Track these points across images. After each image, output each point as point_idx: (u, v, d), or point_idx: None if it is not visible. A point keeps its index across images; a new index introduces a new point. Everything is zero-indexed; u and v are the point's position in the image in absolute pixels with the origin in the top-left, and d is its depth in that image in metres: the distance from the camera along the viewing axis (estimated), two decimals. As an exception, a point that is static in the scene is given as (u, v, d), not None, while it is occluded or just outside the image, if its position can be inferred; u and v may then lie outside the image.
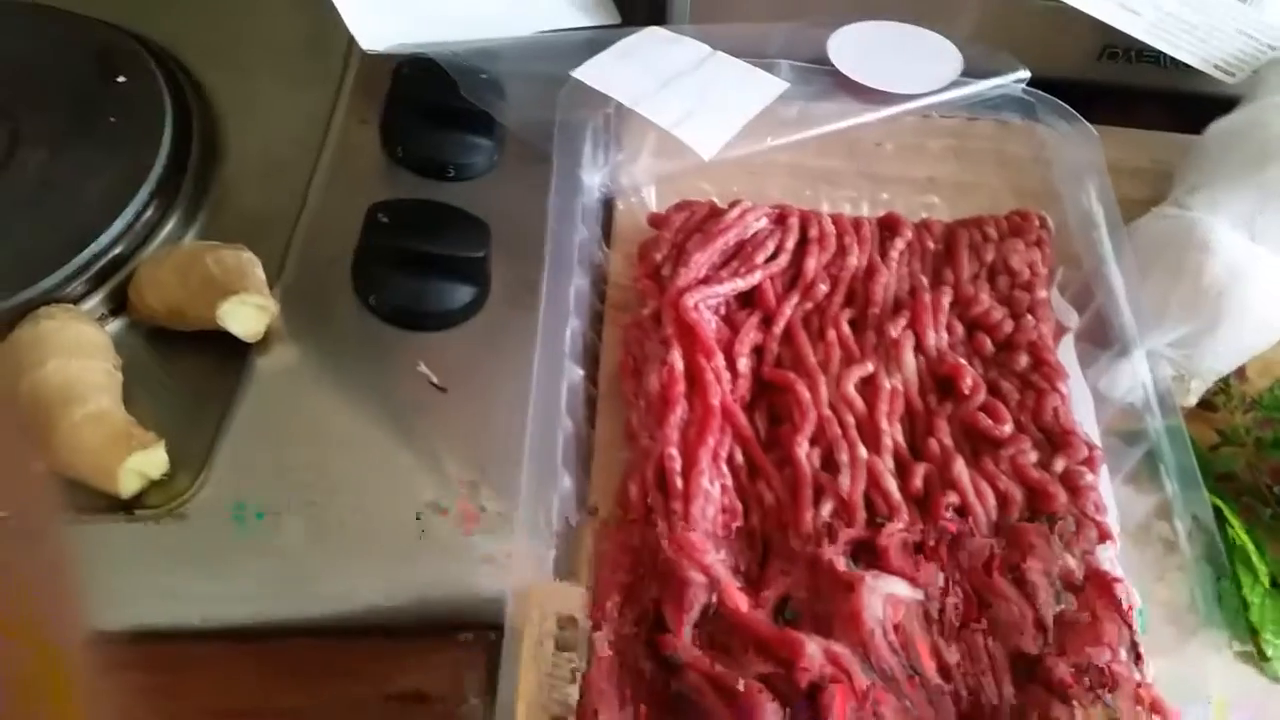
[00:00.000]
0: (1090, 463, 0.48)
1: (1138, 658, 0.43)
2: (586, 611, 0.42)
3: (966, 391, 0.50)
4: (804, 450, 0.48)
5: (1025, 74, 0.62)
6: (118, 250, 0.54)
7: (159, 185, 0.56)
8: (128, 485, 0.47)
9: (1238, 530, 0.49)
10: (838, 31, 0.62)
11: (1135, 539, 0.48)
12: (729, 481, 0.48)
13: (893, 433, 0.49)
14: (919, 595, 0.44)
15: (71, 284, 0.52)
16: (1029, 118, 0.61)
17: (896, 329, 0.52)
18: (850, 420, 0.49)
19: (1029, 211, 0.58)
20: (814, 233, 0.56)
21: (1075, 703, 0.41)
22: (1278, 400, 0.54)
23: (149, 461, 0.47)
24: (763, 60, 0.60)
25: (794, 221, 0.56)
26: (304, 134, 0.62)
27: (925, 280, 0.55)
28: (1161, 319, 0.52)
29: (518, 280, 0.56)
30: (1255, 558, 0.49)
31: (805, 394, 0.50)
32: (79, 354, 0.48)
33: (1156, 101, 0.66)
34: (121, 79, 0.60)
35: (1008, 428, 0.49)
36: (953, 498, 0.47)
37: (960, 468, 0.48)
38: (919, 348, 0.52)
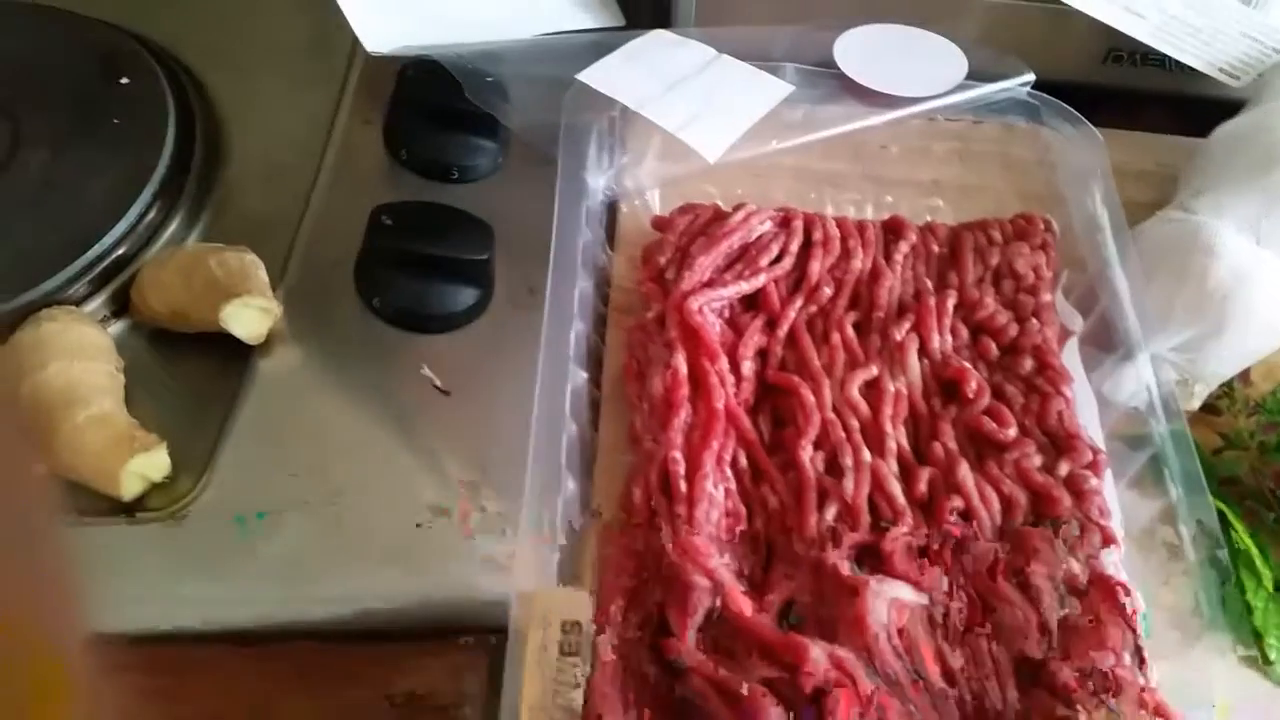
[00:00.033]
0: (1094, 467, 0.48)
1: (1142, 662, 0.43)
2: (590, 616, 0.42)
3: (971, 395, 0.50)
4: (808, 454, 0.48)
5: (1030, 77, 0.62)
6: (120, 252, 0.54)
7: (162, 187, 0.56)
8: (129, 488, 0.47)
9: (1241, 535, 0.49)
10: (843, 35, 0.62)
11: (1139, 543, 0.48)
12: (733, 485, 0.48)
13: (897, 436, 0.49)
14: (923, 599, 0.44)
15: (74, 286, 0.52)
16: (1034, 121, 0.62)
17: (901, 332, 0.52)
18: (854, 424, 0.49)
19: (1034, 215, 0.58)
20: (818, 236, 0.56)
21: (1079, 707, 0.41)
22: (1281, 404, 0.54)
23: (151, 464, 0.47)
24: (768, 63, 0.60)
25: (798, 224, 0.56)
26: (307, 135, 0.62)
27: (930, 283, 0.55)
28: (1166, 323, 0.52)
29: (521, 283, 0.56)
30: (1259, 562, 0.49)
31: (809, 397, 0.49)
32: (81, 356, 0.48)
33: (1161, 105, 0.66)
34: (125, 80, 0.60)
35: (1012, 431, 0.49)
36: (957, 502, 0.47)
37: (965, 472, 0.48)
38: (923, 351, 0.52)
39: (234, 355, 0.52)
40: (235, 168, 0.61)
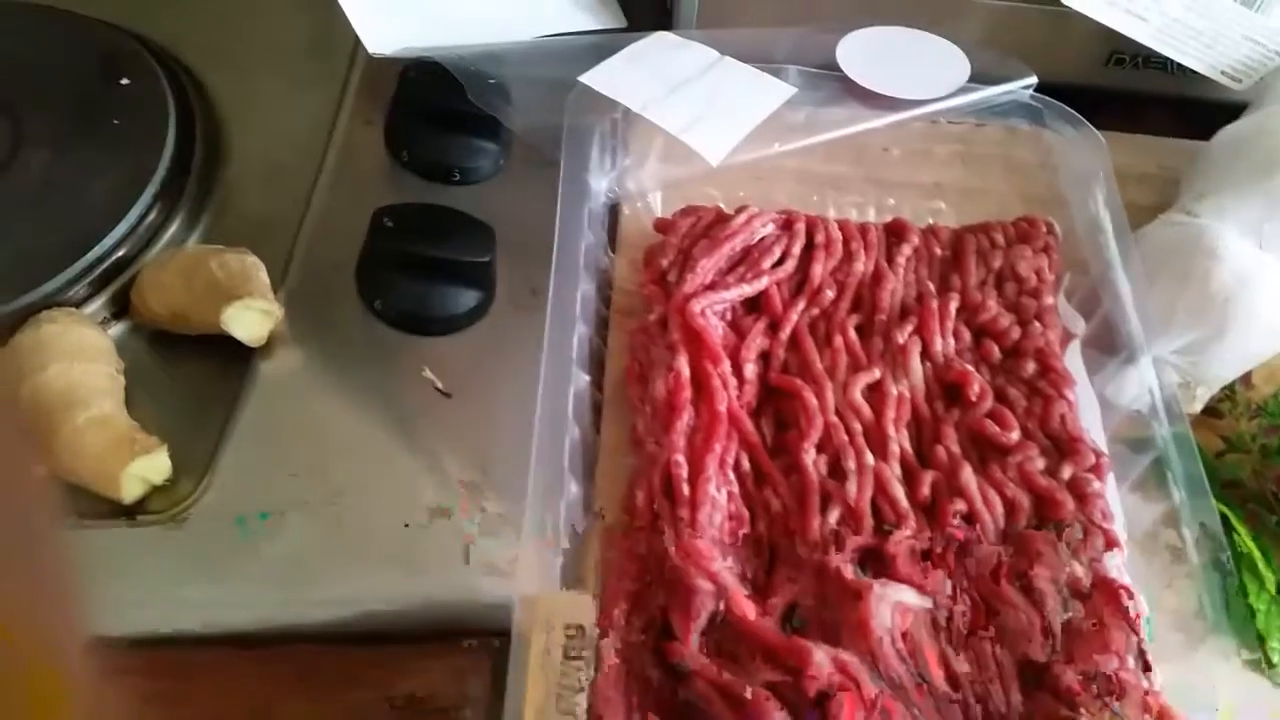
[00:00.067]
0: (1097, 470, 0.48)
1: (1145, 665, 0.43)
2: (594, 619, 0.42)
3: (974, 398, 0.50)
4: (811, 457, 0.48)
5: (1032, 80, 0.61)
6: (121, 253, 0.54)
7: (162, 188, 0.56)
8: (130, 490, 0.47)
9: (1244, 537, 0.49)
10: (846, 37, 0.62)
11: (1142, 546, 0.48)
12: (736, 488, 0.47)
13: (900, 439, 0.49)
14: (927, 603, 0.44)
15: (74, 287, 0.52)
16: (1036, 123, 0.61)
17: (903, 335, 0.52)
18: (857, 427, 0.49)
19: (1036, 217, 0.58)
20: (821, 238, 0.56)
21: (1083, 710, 0.41)
22: (1284, 407, 0.54)
23: (151, 466, 0.47)
24: (770, 65, 0.60)
25: (801, 227, 0.56)
26: (308, 136, 0.61)
27: (932, 286, 0.55)
28: (1168, 325, 0.52)
29: (523, 285, 0.56)
30: (1262, 565, 0.49)
31: (812, 400, 0.49)
32: (81, 358, 0.48)
33: (1163, 107, 0.66)
34: (125, 81, 0.60)
35: (1015, 435, 0.49)
36: (960, 505, 0.47)
37: (968, 475, 0.48)
38: (926, 354, 0.52)
39: (235, 357, 0.52)
40: (236, 169, 0.61)
